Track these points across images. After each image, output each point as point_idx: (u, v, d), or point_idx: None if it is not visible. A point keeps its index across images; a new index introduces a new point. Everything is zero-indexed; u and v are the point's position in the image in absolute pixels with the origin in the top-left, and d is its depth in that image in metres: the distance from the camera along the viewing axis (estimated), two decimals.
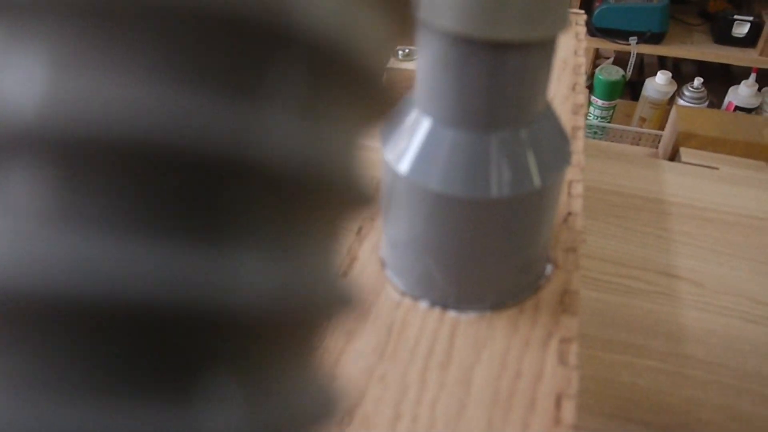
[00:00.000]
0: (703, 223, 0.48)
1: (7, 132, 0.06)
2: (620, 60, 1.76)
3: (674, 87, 1.64)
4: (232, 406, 0.07)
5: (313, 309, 0.08)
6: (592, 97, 1.68)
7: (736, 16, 1.60)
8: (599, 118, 1.69)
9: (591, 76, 1.69)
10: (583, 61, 0.48)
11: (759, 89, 1.59)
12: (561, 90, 0.44)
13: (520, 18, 0.21)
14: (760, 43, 1.60)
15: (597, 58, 1.90)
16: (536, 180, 0.25)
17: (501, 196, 0.25)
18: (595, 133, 1.74)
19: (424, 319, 0.28)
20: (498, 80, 0.23)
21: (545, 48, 0.23)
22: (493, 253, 0.27)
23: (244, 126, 0.07)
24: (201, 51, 0.07)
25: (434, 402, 0.25)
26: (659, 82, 1.62)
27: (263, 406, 0.08)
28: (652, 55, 1.84)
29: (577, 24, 0.53)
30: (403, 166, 0.25)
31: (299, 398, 0.08)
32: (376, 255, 0.32)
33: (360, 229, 0.33)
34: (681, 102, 1.61)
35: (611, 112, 1.69)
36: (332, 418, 0.09)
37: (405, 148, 0.26)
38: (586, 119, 1.71)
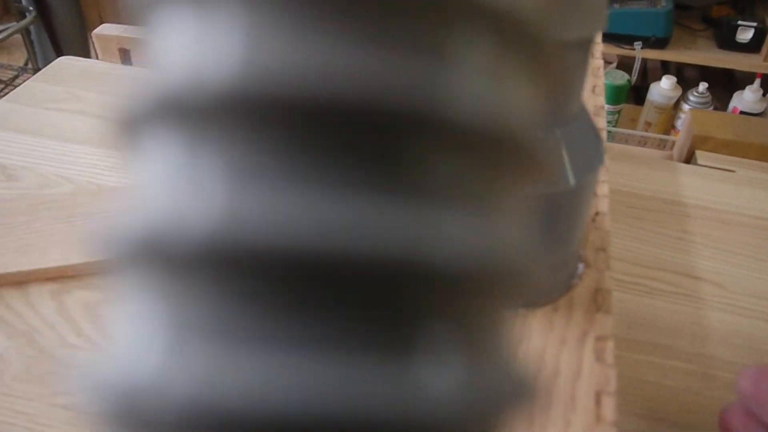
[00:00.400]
0: (722, 226, 0.48)
1: (210, 96, 0.06)
2: (624, 65, 1.76)
3: (679, 92, 1.64)
4: (453, 368, 0.07)
5: (513, 269, 0.08)
6: None
7: (739, 22, 1.60)
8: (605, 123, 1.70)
9: None
10: (601, 64, 0.48)
11: (764, 94, 1.59)
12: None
13: (561, 18, 0.21)
14: (765, 49, 1.61)
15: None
16: (571, 179, 0.25)
17: (537, 194, 0.25)
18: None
19: None
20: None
21: (583, 48, 0.23)
22: None
23: (437, 82, 0.07)
24: (389, 15, 0.07)
25: None
26: (664, 86, 1.62)
27: (482, 371, 0.08)
28: (655, 60, 1.85)
29: None
30: None
31: (509, 372, 0.08)
32: None
33: None
34: (685, 107, 1.62)
35: (617, 116, 1.70)
36: (532, 399, 0.09)
37: None
38: None
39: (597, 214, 0.34)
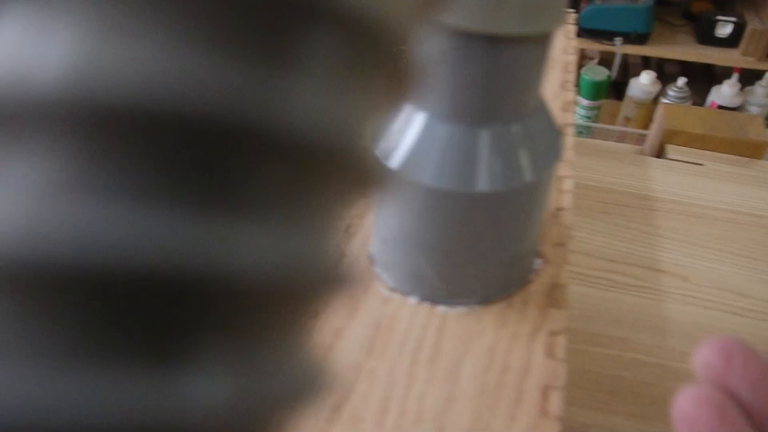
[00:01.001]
0: (689, 219, 0.48)
1: (28, 102, 0.06)
2: (605, 60, 1.77)
3: (658, 87, 1.65)
4: (220, 376, 0.07)
5: (310, 283, 0.08)
6: (578, 97, 1.70)
7: (719, 17, 1.61)
8: (585, 118, 1.70)
9: (576, 76, 1.70)
10: (573, 59, 0.48)
11: (741, 88, 1.60)
12: (551, 88, 0.44)
13: (518, 13, 0.21)
14: (743, 43, 1.62)
15: (582, 58, 1.91)
16: (528, 175, 0.25)
17: (493, 190, 0.25)
18: (581, 132, 1.75)
19: (413, 315, 0.28)
20: (493, 75, 0.23)
21: (541, 43, 0.23)
22: (484, 248, 0.27)
23: (264, 94, 0.07)
24: (228, 17, 0.07)
25: (422, 396, 0.25)
26: (644, 81, 1.63)
27: (252, 378, 0.08)
28: (636, 56, 1.85)
29: (567, 22, 0.53)
30: (395, 160, 0.26)
31: (289, 373, 0.08)
32: (365, 252, 0.32)
33: (348, 227, 0.33)
34: (665, 101, 1.63)
35: (596, 111, 1.70)
36: (321, 395, 0.09)
37: (397, 143, 0.26)
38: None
39: (559, 209, 0.34)
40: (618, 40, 1.64)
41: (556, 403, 0.25)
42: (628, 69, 1.95)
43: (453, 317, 0.28)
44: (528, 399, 0.25)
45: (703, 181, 0.52)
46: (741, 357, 0.20)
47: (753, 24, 1.61)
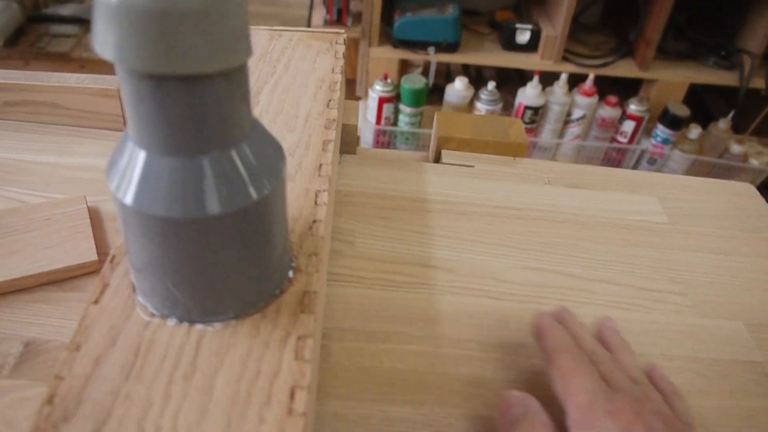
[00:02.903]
0: (458, 216, 0.54)
1: None
2: (429, 69, 1.87)
3: (472, 91, 1.78)
4: None
5: None
6: (401, 105, 1.78)
7: (518, 25, 1.77)
8: (408, 124, 1.79)
9: (398, 85, 1.79)
10: (340, 78, 0.52)
11: (543, 89, 1.77)
12: (316, 107, 0.48)
13: (193, 54, 0.23)
14: (540, 48, 1.79)
15: (408, 67, 2.01)
16: (252, 193, 0.28)
17: (221, 212, 0.27)
18: (407, 138, 1.84)
19: (172, 336, 0.30)
20: (190, 111, 0.25)
21: (229, 77, 0.25)
22: (227, 267, 0.29)
23: None
24: None
25: (177, 412, 0.27)
26: (458, 87, 1.75)
27: None
28: (454, 62, 1.98)
29: (337, 43, 0.57)
30: (128, 197, 0.27)
31: None
32: (128, 281, 0.33)
33: (113, 257, 0.34)
34: (478, 105, 1.75)
35: (419, 118, 1.80)
36: None
37: (128, 180, 0.27)
38: (397, 125, 1.81)
39: (315, 221, 0.37)
40: (431, 50, 1.75)
41: (301, 400, 0.28)
42: (451, 74, 2.09)
43: (209, 333, 0.30)
44: (276, 400, 0.28)
45: (473, 182, 0.58)
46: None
47: (547, 31, 1.78)
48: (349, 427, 0.37)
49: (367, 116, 1.82)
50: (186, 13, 0.22)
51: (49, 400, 0.27)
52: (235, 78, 0.26)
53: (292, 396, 0.28)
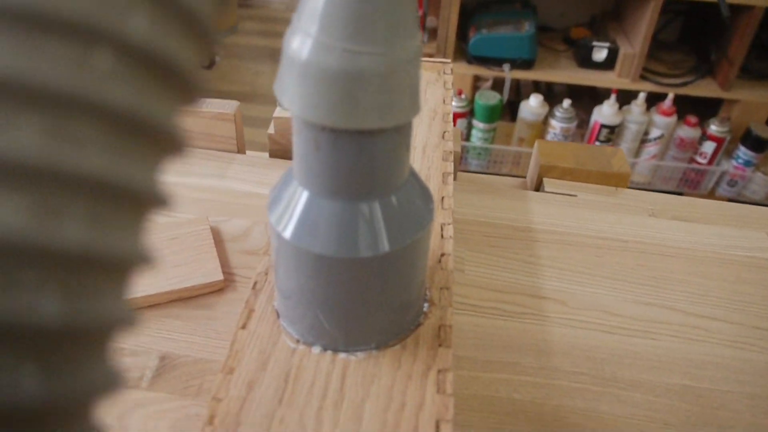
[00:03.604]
0: (565, 247, 0.54)
1: None
2: (499, 84, 1.87)
3: (546, 108, 1.77)
4: (32, 376, 0.11)
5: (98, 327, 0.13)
6: (474, 120, 1.79)
7: (594, 43, 1.75)
8: (482, 140, 1.79)
9: (471, 101, 1.79)
10: (451, 110, 0.53)
11: (620, 108, 1.74)
12: (432, 138, 0.49)
13: (374, 111, 0.25)
14: (617, 66, 1.76)
15: (478, 81, 2.02)
16: (404, 238, 0.29)
17: (373, 255, 0.28)
18: (479, 154, 1.84)
19: (318, 363, 0.31)
20: (361, 160, 0.26)
21: (400, 131, 0.27)
22: (373, 302, 0.31)
23: None
24: None
25: None
26: (532, 104, 1.74)
27: (64, 377, 0.12)
28: (528, 80, 1.97)
29: (444, 73, 0.58)
30: (287, 232, 0.29)
31: (92, 375, 0.13)
32: (271, 306, 0.34)
33: (255, 284, 0.36)
34: (553, 122, 1.74)
35: (492, 133, 1.80)
36: (117, 390, 0.14)
37: (289, 216, 0.29)
38: (470, 141, 1.81)
39: (443, 255, 0.38)
40: (506, 66, 1.75)
41: None
42: (521, 91, 2.08)
43: (353, 363, 0.32)
44: None
45: (576, 211, 0.58)
46: None
47: (625, 48, 1.75)
48: None
49: None
50: (371, 74, 0.24)
51: (210, 421, 0.29)
52: (404, 132, 0.27)
53: (437, 429, 0.29)
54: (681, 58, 1.92)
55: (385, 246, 0.28)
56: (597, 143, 1.79)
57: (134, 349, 0.42)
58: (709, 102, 1.86)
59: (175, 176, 0.58)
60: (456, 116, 1.75)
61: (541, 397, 0.41)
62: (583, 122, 1.87)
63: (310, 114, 0.25)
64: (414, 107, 0.26)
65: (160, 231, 0.49)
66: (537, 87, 2.08)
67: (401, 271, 0.30)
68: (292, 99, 0.25)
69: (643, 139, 1.83)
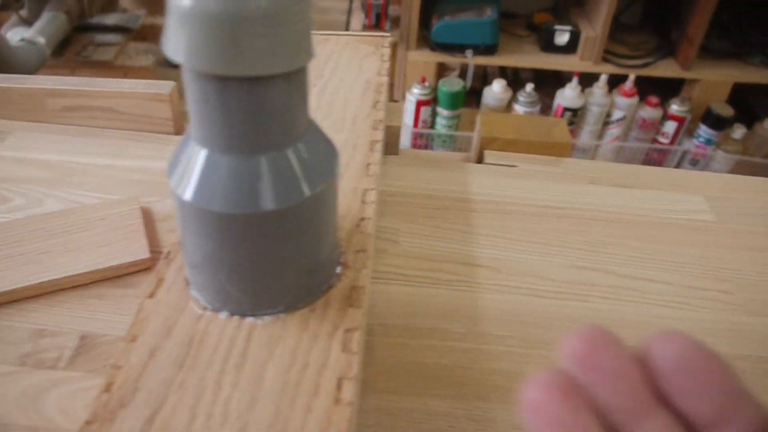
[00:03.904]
0: (502, 216, 0.54)
1: None
2: (466, 72, 1.87)
3: (510, 93, 1.77)
4: None
5: None
6: (438, 108, 1.79)
7: (556, 27, 1.75)
8: (446, 127, 1.79)
9: (435, 88, 1.79)
10: (386, 80, 0.52)
11: (582, 91, 1.75)
12: (364, 108, 0.48)
13: (259, 57, 0.24)
14: (579, 50, 1.77)
15: (445, 71, 2.01)
16: (306, 191, 0.29)
17: (276, 208, 0.28)
18: (444, 141, 1.84)
19: (223, 328, 0.31)
20: (251, 111, 0.26)
21: (291, 79, 0.26)
22: (279, 263, 0.30)
23: None
24: None
25: (228, 400, 0.28)
26: (495, 90, 1.74)
27: None
28: (494, 66, 1.97)
29: (382, 47, 0.58)
30: (188, 193, 0.28)
31: None
32: (182, 276, 0.34)
33: (168, 253, 0.36)
34: (516, 107, 1.74)
35: (457, 120, 1.80)
36: None
37: (188, 177, 0.28)
38: (435, 128, 1.81)
39: (362, 219, 0.38)
40: (469, 53, 1.75)
41: (348, 391, 0.28)
42: (487, 77, 2.08)
43: (260, 326, 0.31)
44: (324, 391, 0.28)
45: (516, 181, 0.58)
46: (605, 347, 0.19)
47: (587, 32, 1.76)
48: (391, 420, 0.37)
49: (404, 119, 1.83)
50: (255, 17, 0.23)
51: (107, 388, 0.28)
52: (297, 79, 0.27)
53: (339, 386, 0.29)
54: (643, 39, 1.93)
55: (286, 199, 0.28)
56: None
57: (53, 330, 0.41)
58: (670, 82, 1.88)
59: (109, 159, 0.57)
60: (420, 104, 1.75)
61: (468, 361, 0.41)
62: (547, 106, 1.88)
63: (194, 62, 0.24)
64: (304, 53, 0.26)
65: (89, 212, 0.48)
66: (503, 73, 2.09)
67: (306, 227, 0.30)
68: (175, 48, 0.24)
69: (606, 121, 1.84)
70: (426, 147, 1.86)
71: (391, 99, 1.98)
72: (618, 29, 1.90)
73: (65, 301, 0.43)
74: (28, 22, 1.87)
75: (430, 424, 0.38)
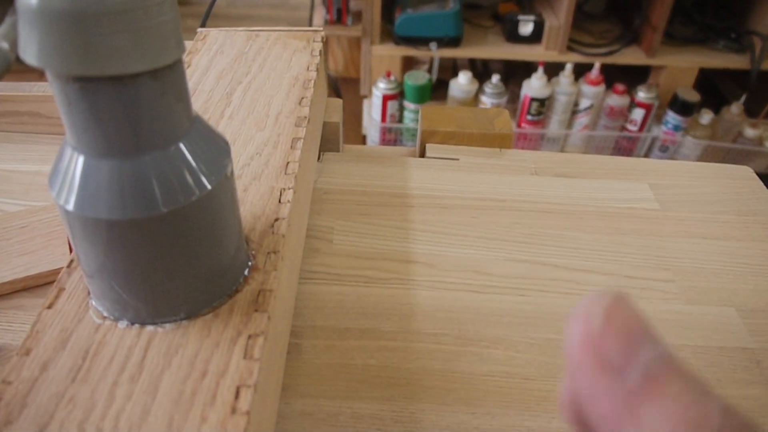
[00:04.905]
0: (441, 210, 0.53)
1: None
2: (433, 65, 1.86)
3: (476, 85, 1.77)
4: None
5: None
6: (405, 102, 1.78)
7: (520, 17, 1.75)
8: (413, 121, 1.79)
9: (401, 83, 1.78)
10: (314, 76, 0.51)
11: (549, 80, 1.75)
12: (288, 105, 0.47)
13: (111, 54, 0.23)
14: (544, 39, 1.77)
15: (414, 64, 2.00)
16: (195, 189, 0.27)
17: (161, 212, 0.27)
18: (413, 135, 1.83)
19: (122, 338, 0.30)
20: (122, 111, 0.24)
21: (158, 76, 0.25)
22: (173, 268, 0.29)
23: None
24: None
25: (119, 413, 0.27)
26: (461, 82, 1.73)
27: None
28: (464, 58, 1.97)
29: (314, 41, 0.57)
30: (70, 202, 0.27)
31: None
32: (83, 285, 0.33)
33: (71, 262, 0.34)
34: (483, 98, 1.74)
35: None
36: None
37: (69, 185, 0.27)
38: (403, 122, 1.80)
39: (276, 219, 0.37)
40: (433, 45, 1.74)
41: (245, 399, 0.27)
42: (457, 69, 2.07)
43: (160, 334, 0.30)
44: (220, 399, 0.27)
45: (457, 175, 0.57)
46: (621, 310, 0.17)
47: (550, 21, 1.76)
48: (316, 424, 0.36)
49: (372, 114, 1.81)
50: (104, 12, 0.22)
51: None
52: (166, 77, 0.26)
53: (237, 395, 0.28)
54: (607, 28, 1.94)
55: (172, 201, 0.27)
56: (528, 117, 1.80)
57: None
58: (636, 70, 1.88)
59: (36, 165, 0.55)
60: (386, 98, 1.74)
61: (397, 360, 0.40)
62: (515, 97, 1.88)
63: (49, 64, 0.23)
64: (171, 49, 0.25)
65: (9, 220, 0.47)
66: (473, 65, 2.08)
67: (198, 230, 0.29)
68: (27, 51, 0.23)
69: (574, 110, 1.84)
70: (395, 142, 1.85)
71: (358, 94, 1.96)
72: (582, 18, 1.91)
73: None
74: None
75: (356, 428, 0.37)
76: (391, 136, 1.84)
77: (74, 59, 0.23)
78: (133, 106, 0.25)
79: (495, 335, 0.43)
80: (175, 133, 0.27)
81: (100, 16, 0.22)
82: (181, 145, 0.27)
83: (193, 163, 0.28)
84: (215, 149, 0.29)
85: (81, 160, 0.26)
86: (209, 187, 0.28)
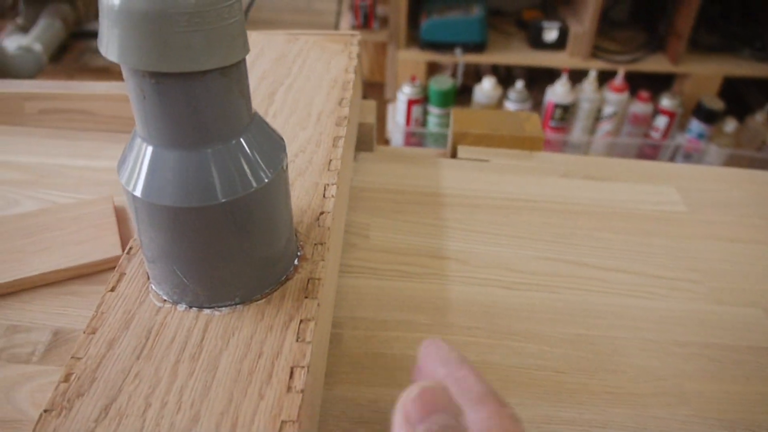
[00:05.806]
0: (473, 209, 0.54)
1: None
2: (457, 70, 1.88)
3: (500, 91, 1.78)
4: None
5: None
6: (429, 106, 1.79)
7: (544, 23, 1.76)
8: (437, 125, 1.80)
9: (426, 87, 1.80)
10: (353, 77, 0.53)
11: (573, 86, 1.76)
12: (329, 105, 0.49)
13: (186, 53, 0.25)
14: (568, 46, 1.78)
15: (438, 69, 2.02)
16: (252, 182, 0.29)
17: (223, 201, 0.29)
18: (437, 139, 1.85)
19: (181, 320, 0.32)
20: (191, 105, 0.26)
21: (226, 73, 0.27)
22: (231, 255, 0.31)
23: None
24: None
25: (182, 388, 0.28)
26: (486, 87, 1.75)
27: None
28: (483, 62, 1.98)
29: (351, 45, 0.59)
30: (138, 188, 0.29)
31: None
32: (143, 270, 0.35)
33: (130, 249, 0.36)
34: (507, 104, 1.75)
35: (448, 118, 1.81)
36: None
37: (137, 173, 0.29)
38: (426, 127, 1.81)
39: (322, 213, 0.39)
40: (458, 51, 1.76)
41: (300, 379, 0.29)
42: (480, 74, 2.08)
43: (216, 318, 0.32)
44: (276, 379, 0.29)
45: (488, 175, 0.59)
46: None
47: (575, 28, 1.77)
48: (357, 410, 0.38)
49: (396, 118, 1.83)
50: (180, 13, 0.24)
51: (66, 378, 0.29)
52: (232, 74, 0.28)
53: (291, 375, 0.29)
54: (632, 35, 1.94)
55: (232, 191, 0.29)
56: (552, 123, 1.80)
57: (27, 326, 0.42)
58: (661, 77, 1.88)
59: (85, 160, 0.57)
60: (411, 102, 1.76)
61: None
62: (538, 103, 1.88)
63: (127, 60, 0.25)
64: (238, 48, 0.26)
65: (63, 211, 0.49)
66: (496, 71, 2.09)
67: (255, 220, 0.30)
68: (108, 47, 0.25)
69: (597, 117, 1.84)
70: (419, 145, 1.87)
71: (383, 98, 1.98)
72: (607, 25, 1.91)
73: (39, 298, 0.44)
74: (24, 30, 1.88)
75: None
76: (414, 140, 1.86)
77: (152, 56, 0.25)
78: (201, 101, 0.27)
79: (527, 330, 0.44)
80: (237, 128, 0.29)
81: (176, 16, 0.24)
82: (242, 140, 0.29)
83: (252, 157, 0.29)
84: (272, 144, 0.31)
85: (150, 150, 0.28)
86: (266, 180, 0.30)
